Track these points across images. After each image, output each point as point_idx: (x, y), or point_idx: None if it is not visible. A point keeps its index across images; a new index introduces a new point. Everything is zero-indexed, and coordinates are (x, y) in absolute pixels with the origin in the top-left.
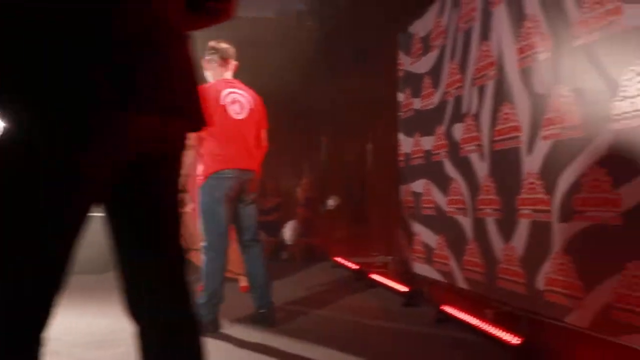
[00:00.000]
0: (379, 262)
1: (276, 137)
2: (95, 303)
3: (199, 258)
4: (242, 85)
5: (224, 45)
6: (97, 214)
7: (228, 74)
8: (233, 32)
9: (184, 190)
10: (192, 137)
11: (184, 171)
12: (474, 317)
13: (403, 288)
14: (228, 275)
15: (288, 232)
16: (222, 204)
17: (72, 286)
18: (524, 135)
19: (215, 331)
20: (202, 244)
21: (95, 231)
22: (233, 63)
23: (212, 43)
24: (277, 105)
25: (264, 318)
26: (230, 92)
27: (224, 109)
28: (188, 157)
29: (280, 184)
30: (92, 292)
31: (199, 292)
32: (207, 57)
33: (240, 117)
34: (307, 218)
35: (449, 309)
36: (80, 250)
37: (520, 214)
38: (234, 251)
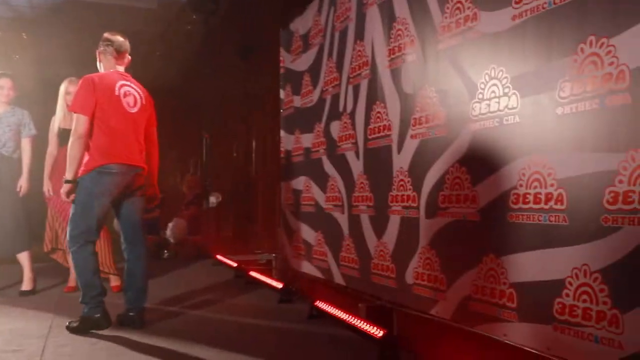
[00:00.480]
0: (262, 260)
1: (160, 132)
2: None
3: (61, 257)
4: (134, 80)
5: (119, 38)
6: None
7: (121, 68)
8: (111, 21)
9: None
10: (84, 125)
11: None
12: (346, 312)
13: (278, 284)
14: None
15: (171, 230)
16: (100, 199)
17: None
18: (394, 134)
19: (107, 327)
20: (67, 237)
21: None
22: (127, 57)
23: (107, 35)
24: (161, 100)
25: (132, 321)
26: (124, 85)
27: (118, 100)
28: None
29: (163, 180)
30: None
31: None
32: (101, 49)
33: (133, 110)
34: (191, 216)
35: (321, 305)
36: None
37: (392, 211)
38: (106, 250)
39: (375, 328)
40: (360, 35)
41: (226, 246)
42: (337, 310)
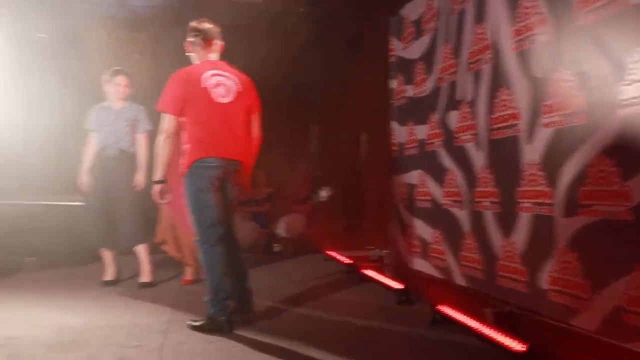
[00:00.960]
0: (373, 256)
1: (267, 126)
2: (68, 298)
3: (171, 250)
4: (228, 68)
5: (206, 25)
6: (71, 203)
7: (213, 56)
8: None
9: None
10: (170, 124)
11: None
12: (473, 318)
13: (397, 285)
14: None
15: (288, 225)
16: (208, 194)
17: (46, 279)
18: (522, 123)
19: (230, 332)
20: (195, 238)
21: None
22: (218, 43)
23: (193, 24)
24: (267, 93)
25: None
26: (214, 75)
27: (206, 92)
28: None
29: (271, 174)
30: (66, 285)
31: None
32: (189, 39)
33: (224, 100)
34: (308, 211)
35: (445, 309)
36: (55, 241)
37: (521, 207)
38: (186, 239)
39: (514, 340)
40: (480, 16)
41: (335, 241)
42: (464, 316)
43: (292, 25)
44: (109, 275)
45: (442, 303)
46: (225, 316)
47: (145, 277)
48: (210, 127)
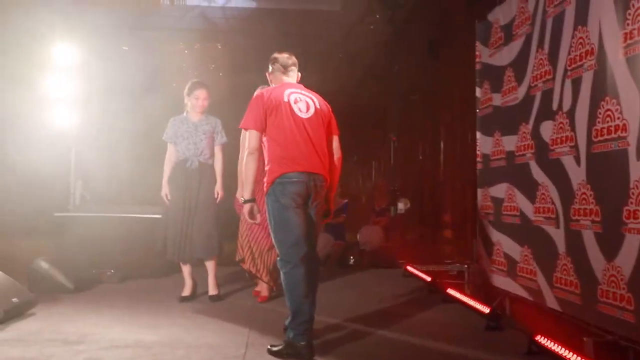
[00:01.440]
0: (453, 271)
1: (343, 135)
2: (145, 314)
3: (248, 266)
4: (307, 89)
5: (284, 55)
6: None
7: (291, 80)
8: (298, 27)
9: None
10: (253, 141)
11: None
12: (571, 350)
13: (484, 308)
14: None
15: (366, 237)
16: (290, 211)
17: (124, 293)
18: (631, 136)
19: (310, 358)
20: (278, 258)
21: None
22: (297, 73)
23: (274, 55)
24: (342, 102)
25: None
26: (293, 92)
27: (288, 106)
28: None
29: (347, 184)
30: (144, 300)
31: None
32: (269, 70)
33: (305, 116)
34: (386, 223)
35: (543, 340)
36: (134, 253)
37: (628, 229)
38: (268, 255)
39: None
40: (582, 19)
41: (413, 254)
42: (565, 349)
43: (369, 32)
44: (186, 290)
45: (537, 331)
46: (305, 341)
47: (213, 290)
48: (292, 141)
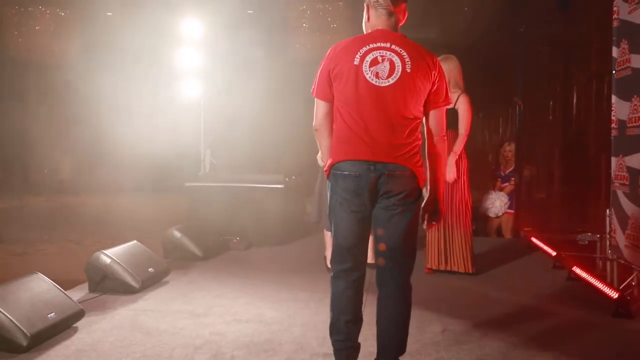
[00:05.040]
0: (584, 241)
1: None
2: (266, 286)
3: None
4: (404, 41)
5: None
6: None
7: (389, 26)
8: None
9: None
10: (318, 111)
11: None
12: None
13: (612, 293)
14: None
15: (494, 204)
16: (339, 212)
17: (249, 262)
18: None
19: None
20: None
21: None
22: (393, 14)
23: None
24: (462, 60)
25: None
26: (373, 49)
27: (359, 71)
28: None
29: (472, 143)
30: (266, 270)
31: None
32: (372, 1)
33: (383, 84)
34: (511, 190)
35: None
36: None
37: None
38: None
39: None
40: None
41: (539, 223)
42: None
43: None
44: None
45: None
46: (345, 357)
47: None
48: (356, 119)
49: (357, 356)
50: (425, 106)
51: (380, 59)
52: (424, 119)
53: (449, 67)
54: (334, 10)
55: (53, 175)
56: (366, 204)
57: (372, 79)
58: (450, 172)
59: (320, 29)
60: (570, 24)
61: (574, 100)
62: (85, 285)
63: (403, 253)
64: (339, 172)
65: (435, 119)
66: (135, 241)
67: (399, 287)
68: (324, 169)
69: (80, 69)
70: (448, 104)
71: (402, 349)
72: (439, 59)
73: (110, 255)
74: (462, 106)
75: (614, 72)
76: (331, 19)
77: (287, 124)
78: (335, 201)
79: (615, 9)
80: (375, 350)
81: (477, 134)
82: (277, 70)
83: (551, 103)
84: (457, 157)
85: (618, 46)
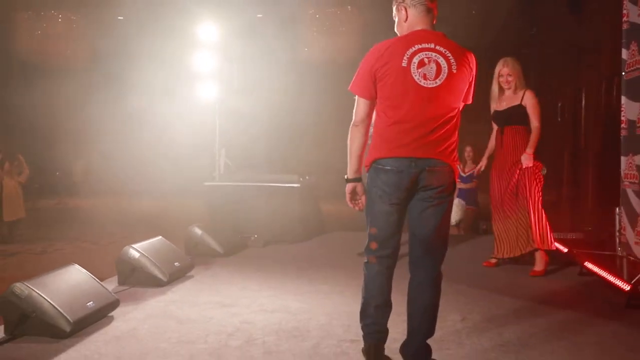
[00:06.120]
0: (592, 239)
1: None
2: (287, 279)
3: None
4: (445, 41)
5: None
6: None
7: (424, 25)
8: None
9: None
10: (360, 108)
11: None
12: None
13: (624, 285)
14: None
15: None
16: (377, 204)
17: (269, 257)
18: None
19: None
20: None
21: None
22: (432, 13)
23: None
24: (476, 57)
25: None
26: (421, 50)
27: (406, 72)
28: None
29: (482, 146)
30: (285, 265)
31: None
32: (394, 11)
33: (431, 85)
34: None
35: None
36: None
37: None
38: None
39: None
40: None
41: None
42: None
43: None
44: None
45: None
46: (374, 340)
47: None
48: (404, 117)
49: (385, 341)
50: (463, 99)
51: (426, 60)
52: None
53: (517, 67)
54: (342, 14)
55: (66, 177)
56: (405, 197)
57: (421, 81)
58: (526, 160)
59: (329, 33)
60: (581, 27)
61: (583, 102)
62: (114, 280)
63: (437, 243)
64: (380, 166)
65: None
66: (160, 237)
67: (431, 275)
68: (364, 163)
69: (98, 72)
70: (470, 102)
71: (430, 333)
72: (501, 62)
73: (139, 250)
74: (530, 101)
75: (623, 73)
76: (340, 22)
77: (300, 125)
78: (374, 193)
79: (625, 11)
80: (402, 337)
81: (488, 136)
82: (288, 72)
83: (560, 105)
84: (534, 148)
85: (628, 48)
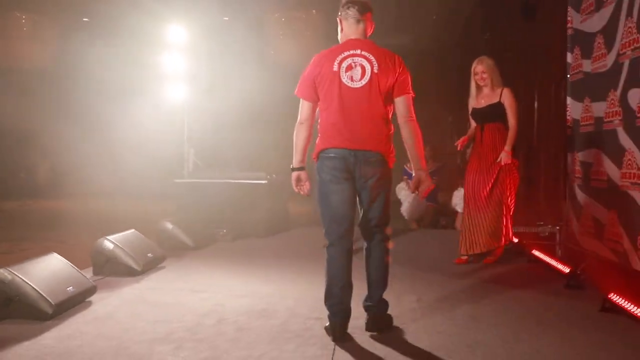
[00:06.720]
0: (544, 233)
1: (433, 96)
2: (261, 271)
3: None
4: (372, 46)
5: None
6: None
7: (359, 33)
8: None
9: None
10: (302, 109)
11: None
12: None
13: (564, 268)
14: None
15: (456, 199)
16: (329, 186)
17: (237, 250)
18: None
19: (340, 339)
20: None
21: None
22: (363, 23)
23: None
24: (431, 61)
25: (371, 323)
26: (349, 56)
27: (336, 77)
28: None
29: (442, 146)
30: (254, 256)
31: None
32: (342, 14)
33: (356, 85)
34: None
35: (617, 299)
36: (242, 215)
37: None
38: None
39: None
40: None
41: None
42: (636, 307)
43: None
44: None
45: (615, 290)
46: (339, 319)
47: None
48: (336, 115)
49: (348, 319)
50: (393, 95)
51: (353, 64)
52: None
53: (492, 65)
54: (307, 18)
55: (31, 179)
56: (351, 178)
57: (348, 82)
58: (505, 157)
59: (294, 36)
60: (532, 32)
61: (536, 104)
62: (88, 271)
63: (384, 218)
64: (325, 154)
65: (402, 104)
66: (134, 230)
67: (381, 239)
68: (312, 156)
69: (63, 74)
70: (410, 93)
71: (385, 285)
72: (476, 60)
73: (113, 241)
74: (508, 100)
75: (568, 76)
76: (305, 26)
77: (266, 125)
78: (325, 178)
79: (569, 18)
80: (361, 316)
81: (447, 137)
82: (255, 73)
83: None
84: (512, 146)
85: (572, 52)
